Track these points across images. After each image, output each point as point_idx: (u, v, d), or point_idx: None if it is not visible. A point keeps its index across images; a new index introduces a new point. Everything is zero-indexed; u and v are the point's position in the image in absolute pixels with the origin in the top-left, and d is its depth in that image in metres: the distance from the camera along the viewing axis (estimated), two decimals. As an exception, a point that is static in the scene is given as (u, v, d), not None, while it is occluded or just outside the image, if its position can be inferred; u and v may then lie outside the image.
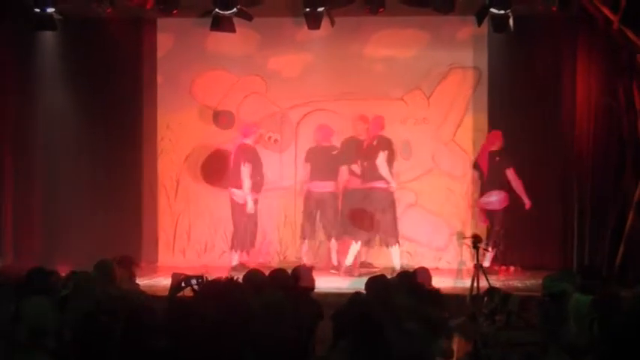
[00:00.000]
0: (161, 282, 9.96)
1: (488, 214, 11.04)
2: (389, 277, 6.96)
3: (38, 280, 6.40)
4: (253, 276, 6.53)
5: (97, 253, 8.60)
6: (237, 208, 11.17)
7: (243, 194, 11.04)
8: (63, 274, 6.91)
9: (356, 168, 11.14)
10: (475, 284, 8.66)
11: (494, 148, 10.98)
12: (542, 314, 6.49)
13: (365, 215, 10.92)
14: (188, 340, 4.11)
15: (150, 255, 12.07)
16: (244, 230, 11.17)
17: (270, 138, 12.04)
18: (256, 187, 11.14)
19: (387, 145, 10.83)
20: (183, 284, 9.50)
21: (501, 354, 6.21)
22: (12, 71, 11.41)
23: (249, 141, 11.18)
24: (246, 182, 11.00)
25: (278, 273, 6.73)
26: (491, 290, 7.37)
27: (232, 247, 11.28)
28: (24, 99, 11.57)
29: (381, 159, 10.70)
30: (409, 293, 5.06)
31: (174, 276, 9.57)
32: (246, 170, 10.98)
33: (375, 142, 10.84)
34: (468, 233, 10.03)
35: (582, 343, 5.53)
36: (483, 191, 11.07)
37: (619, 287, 8.26)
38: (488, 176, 10.97)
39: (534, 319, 6.60)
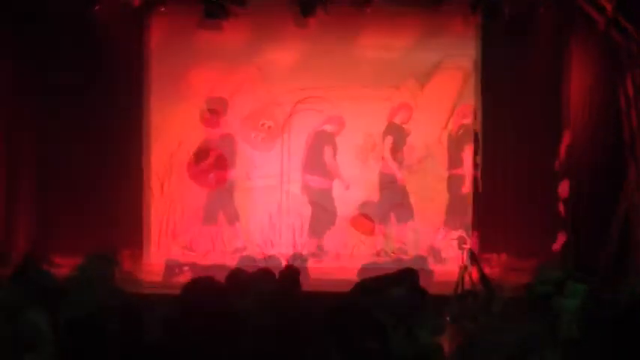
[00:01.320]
0: (155, 270, 10.01)
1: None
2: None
3: (32, 269, 6.37)
4: (242, 274, 6.50)
5: (91, 242, 8.61)
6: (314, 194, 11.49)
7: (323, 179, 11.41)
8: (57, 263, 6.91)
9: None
10: (469, 277, 8.71)
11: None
12: (535, 307, 6.51)
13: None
14: (185, 334, 4.11)
15: (143, 244, 12.04)
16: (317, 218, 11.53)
17: (263, 125, 12.03)
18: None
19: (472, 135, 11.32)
20: (176, 271, 9.58)
21: (494, 347, 6.21)
22: (8, 59, 11.35)
23: (328, 128, 11.52)
24: (333, 164, 11.38)
25: (268, 270, 6.71)
26: (485, 283, 7.40)
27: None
28: (17, 88, 11.50)
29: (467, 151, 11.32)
30: (409, 291, 5.07)
31: (168, 263, 9.70)
32: (329, 152, 11.38)
33: (460, 132, 11.42)
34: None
35: (576, 337, 5.54)
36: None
37: (616, 281, 8.28)
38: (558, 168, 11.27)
39: (528, 311, 6.61)
